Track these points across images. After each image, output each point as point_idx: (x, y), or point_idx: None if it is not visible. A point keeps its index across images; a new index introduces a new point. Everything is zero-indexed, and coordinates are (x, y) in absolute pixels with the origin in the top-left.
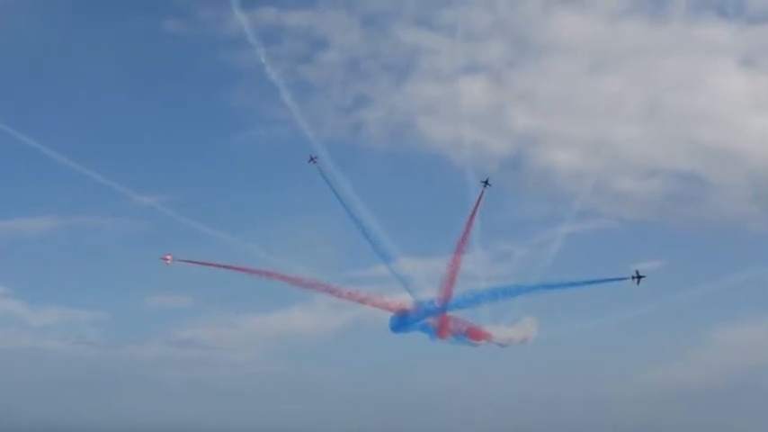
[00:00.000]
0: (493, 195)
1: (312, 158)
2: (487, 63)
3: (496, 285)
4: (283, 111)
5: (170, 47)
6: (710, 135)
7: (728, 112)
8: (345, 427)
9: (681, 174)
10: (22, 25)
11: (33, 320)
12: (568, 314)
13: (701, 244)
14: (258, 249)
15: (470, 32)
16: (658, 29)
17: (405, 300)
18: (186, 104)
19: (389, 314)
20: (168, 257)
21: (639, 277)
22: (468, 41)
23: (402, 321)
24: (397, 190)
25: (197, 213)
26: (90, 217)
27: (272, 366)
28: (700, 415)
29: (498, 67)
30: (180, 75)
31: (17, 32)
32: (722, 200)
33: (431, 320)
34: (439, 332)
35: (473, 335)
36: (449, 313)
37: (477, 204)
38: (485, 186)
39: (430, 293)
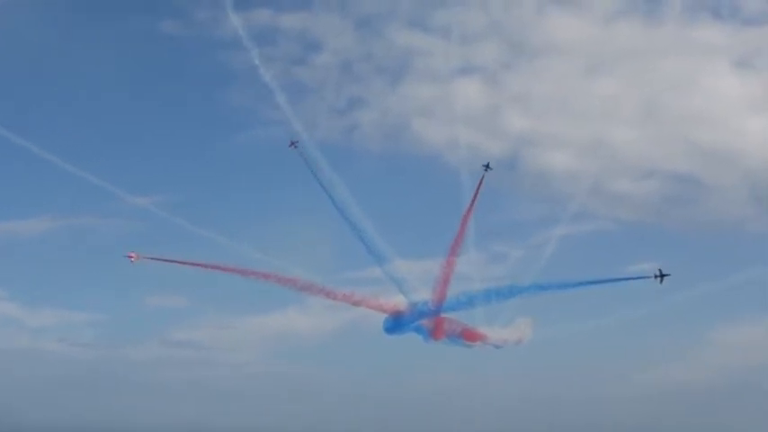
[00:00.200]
0: (488, 197)
1: (292, 143)
2: (482, 65)
3: (491, 286)
4: (278, 112)
5: (166, 48)
6: (707, 136)
7: (724, 114)
8: (343, 428)
9: (677, 175)
10: (18, 26)
11: (30, 322)
12: (564, 315)
13: (698, 245)
14: (253, 250)
15: (465, 34)
16: (653, 30)
17: (399, 301)
18: (182, 105)
19: (384, 316)
20: (133, 255)
21: (663, 276)
22: (463, 43)
23: (396, 323)
24: (391, 192)
25: (192, 214)
26: (86, 218)
27: (269, 367)
28: (699, 415)
29: (493, 69)
30: (176, 76)
31: (14, 33)
32: (719, 201)
33: (425, 322)
34: (433, 334)
35: (468, 336)
36: (443, 315)
37: (477, 191)
38: (486, 170)
39: (424, 295)
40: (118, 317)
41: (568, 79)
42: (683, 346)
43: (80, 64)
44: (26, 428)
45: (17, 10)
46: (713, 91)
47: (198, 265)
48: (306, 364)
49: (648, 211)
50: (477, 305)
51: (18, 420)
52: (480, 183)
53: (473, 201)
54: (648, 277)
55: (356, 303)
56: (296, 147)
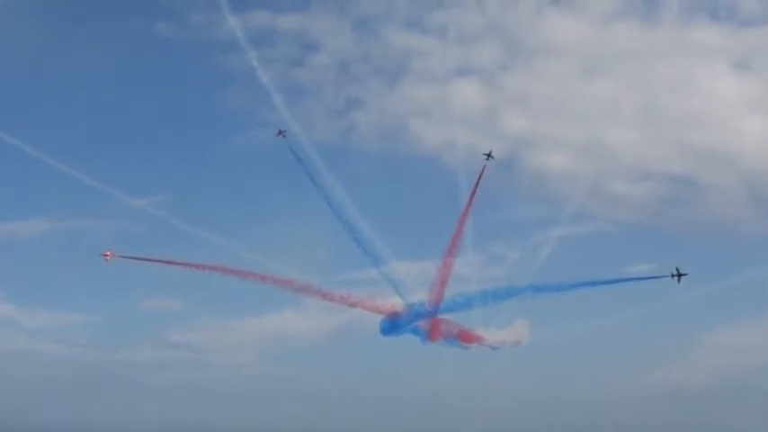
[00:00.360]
0: (486, 197)
1: (280, 132)
2: (480, 66)
3: (489, 287)
4: (276, 113)
5: (163, 50)
6: (704, 138)
7: (722, 115)
8: (340, 428)
9: (675, 176)
10: (14, 28)
11: (27, 323)
12: (562, 316)
13: (695, 246)
14: (250, 252)
15: (462, 35)
16: (651, 31)
17: (396, 303)
18: (179, 107)
19: (381, 317)
20: (108, 254)
21: (680, 275)
22: (461, 44)
23: (392, 324)
24: (389, 192)
25: (190, 216)
26: (83, 220)
27: (266, 368)
28: (696, 416)
29: (491, 70)
30: (173, 77)
31: (9, 35)
32: (716, 202)
33: (422, 323)
34: (430, 335)
35: (464, 338)
36: (440, 316)
37: (478, 181)
38: (487, 159)
39: (421, 296)
40: (115, 319)
41: (566, 80)
42: (680, 348)
43: (77, 66)
44: (24, 429)
45: (14, 11)
46: (711, 92)
47: (174, 263)
48: (302, 366)
49: (646, 212)
50: (475, 306)
51: (14, 422)
52: (482, 172)
53: (473, 192)
54: (665, 276)
55: (353, 305)
56: (284, 136)
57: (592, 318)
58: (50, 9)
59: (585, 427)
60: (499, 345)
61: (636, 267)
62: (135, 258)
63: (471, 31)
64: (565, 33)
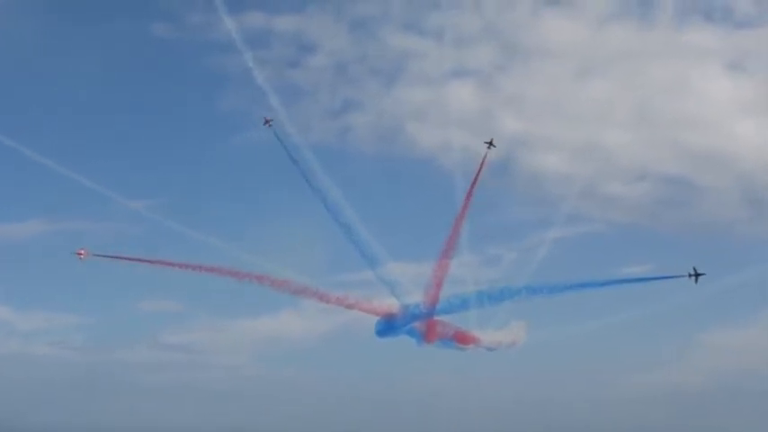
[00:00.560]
0: (481, 199)
1: (267, 121)
2: (476, 67)
3: (484, 289)
4: (272, 115)
5: (159, 51)
6: (699, 139)
7: (716, 117)
8: (336, 429)
9: (670, 178)
10: (9, 28)
11: (21, 325)
12: (558, 318)
13: (690, 247)
14: (246, 253)
15: (459, 37)
16: (646, 33)
17: (392, 304)
18: (175, 108)
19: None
20: (82, 252)
21: (698, 275)
22: (457, 46)
23: (388, 326)
24: (385, 194)
25: (185, 217)
26: (78, 222)
27: (262, 370)
28: (691, 417)
29: (487, 72)
30: (169, 79)
31: (4, 35)
32: (711, 203)
33: (418, 325)
34: (426, 336)
35: (460, 339)
36: (436, 317)
37: (480, 169)
38: (489, 147)
39: (417, 297)
40: (110, 320)
41: (561, 82)
42: (677, 349)
43: (73, 66)
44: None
45: (9, 12)
46: (705, 94)
47: (146, 261)
48: (299, 367)
49: (641, 213)
50: (471, 308)
51: (8, 424)
52: (483, 160)
53: (474, 181)
54: (683, 276)
55: (349, 306)
56: (270, 125)
57: (588, 319)
58: (46, 9)
59: (582, 428)
60: (495, 346)
61: (631, 268)
62: (110, 257)
63: (468, 33)
64: (560, 35)
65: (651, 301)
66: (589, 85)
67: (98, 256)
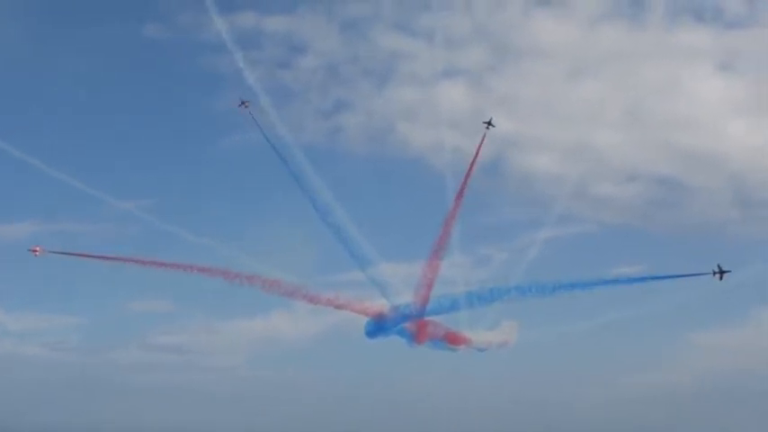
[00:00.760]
0: (472, 199)
1: (243, 102)
2: (467, 68)
3: (475, 289)
4: (262, 115)
5: (150, 51)
6: (690, 140)
7: (707, 117)
8: (330, 430)
9: (661, 178)
10: (1, 32)
11: (12, 326)
12: (550, 318)
13: (682, 248)
14: (237, 253)
15: (450, 37)
16: (637, 34)
17: (383, 305)
18: (166, 109)
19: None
20: (37, 249)
21: (723, 272)
22: (448, 46)
23: (378, 326)
24: (376, 194)
25: (177, 218)
26: (70, 223)
27: (254, 371)
28: (684, 418)
29: (478, 72)
30: (160, 79)
31: None
32: (703, 204)
33: (408, 325)
34: (416, 337)
35: (451, 339)
36: (427, 318)
37: (479, 151)
38: (488, 128)
39: (407, 298)
40: (102, 321)
41: (553, 82)
42: (669, 349)
43: (64, 67)
44: None
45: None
46: (696, 94)
47: (100, 257)
48: (291, 368)
49: (633, 213)
50: (462, 308)
51: (5, 425)
52: (482, 141)
53: (472, 163)
54: (707, 274)
55: (339, 307)
56: (247, 107)
57: (580, 319)
58: (36, 10)
59: (574, 429)
60: (486, 346)
61: (622, 269)
62: (64, 254)
63: (459, 34)
64: (552, 35)
65: (643, 302)
66: (580, 86)
67: (53, 252)
